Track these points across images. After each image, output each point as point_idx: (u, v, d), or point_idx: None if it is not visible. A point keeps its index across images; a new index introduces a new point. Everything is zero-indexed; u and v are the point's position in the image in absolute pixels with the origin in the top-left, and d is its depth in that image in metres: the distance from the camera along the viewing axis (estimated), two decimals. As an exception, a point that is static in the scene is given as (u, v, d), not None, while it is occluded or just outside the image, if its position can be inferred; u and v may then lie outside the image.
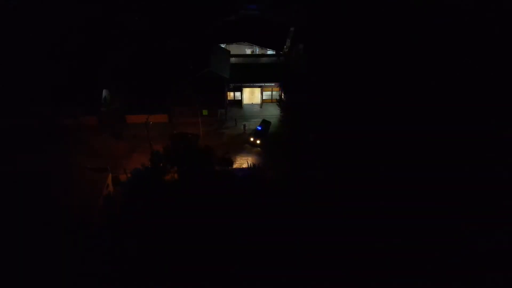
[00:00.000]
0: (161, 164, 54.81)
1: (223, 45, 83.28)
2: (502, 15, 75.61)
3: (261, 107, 78.55)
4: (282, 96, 75.72)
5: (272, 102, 78.00)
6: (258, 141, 68.66)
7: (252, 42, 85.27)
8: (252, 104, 79.23)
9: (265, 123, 71.83)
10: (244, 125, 72.18)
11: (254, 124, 73.21)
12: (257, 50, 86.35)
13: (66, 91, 71.82)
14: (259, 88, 77.57)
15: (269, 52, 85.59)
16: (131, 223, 49.12)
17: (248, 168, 61.90)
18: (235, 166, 62.73)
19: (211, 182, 52.26)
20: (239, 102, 78.50)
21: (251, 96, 79.46)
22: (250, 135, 70.09)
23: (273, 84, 77.10)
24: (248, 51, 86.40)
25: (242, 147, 68.31)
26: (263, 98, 78.63)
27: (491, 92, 63.39)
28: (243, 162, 64.45)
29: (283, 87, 75.05)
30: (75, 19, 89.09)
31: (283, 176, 59.36)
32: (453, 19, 76.00)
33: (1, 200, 53.19)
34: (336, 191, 53.70)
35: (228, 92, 77.42)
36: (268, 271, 46.60)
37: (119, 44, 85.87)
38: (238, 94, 77.89)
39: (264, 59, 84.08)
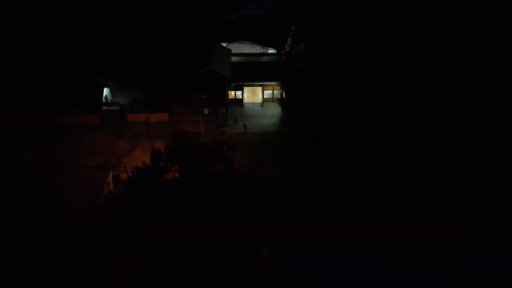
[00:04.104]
0: (162, 163, 54.73)
1: (224, 44, 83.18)
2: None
3: (262, 106, 78.48)
4: (283, 95, 75.63)
5: (273, 101, 77.85)
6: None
7: (253, 41, 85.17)
8: (253, 103, 79.16)
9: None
10: (245, 124, 72.08)
11: (255, 123, 73.22)
12: (258, 49, 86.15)
13: (68, 90, 71.87)
14: (260, 87, 77.50)
15: (270, 51, 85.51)
16: (131, 222, 49.11)
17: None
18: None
19: (212, 181, 52.19)
20: (240, 101, 78.39)
21: (252, 95, 79.41)
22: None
23: (274, 83, 77.03)
24: (249, 50, 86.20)
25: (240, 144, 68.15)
26: (264, 97, 78.55)
27: (492, 93, 63.18)
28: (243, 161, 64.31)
29: (284, 86, 74.94)
30: (76, 19, 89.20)
31: (283, 175, 59.42)
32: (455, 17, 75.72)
33: (2, 199, 53.21)
34: (335, 190, 53.73)
35: (229, 91, 77.33)
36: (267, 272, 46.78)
37: (120, 43, 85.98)
38: (239, 93, 77.77)
39: (265, 58, 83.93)
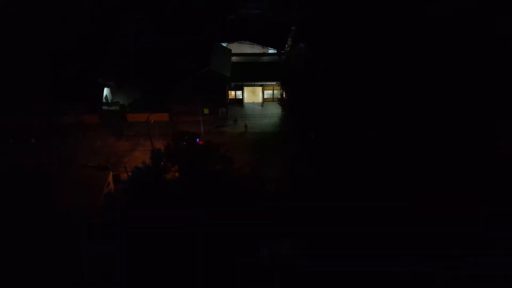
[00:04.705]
0: (162, 163, 54.70)
1: (224, 44, 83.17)
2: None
3: (262, 106, 78.48)
4: (283, 95, 75.61)
5: (273, 101, 77.86)
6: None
7: (253, 41, 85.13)
8: (253, 103, 79.15)
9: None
10: (246, 125, 72.09)
11: (255, 123, 73.22)
12: (258, 49, 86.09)
13: (68, 90, 71.87)
14: (260, 87, 77.50)
15: (270, 51, 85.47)
16: (131, 222, 49.07)
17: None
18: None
19: (211, 181, 52.15)
20: (240, 101, 78.37)
21: (252, 95, 79.41)
22: None
23: (274, 83, 77.03)
24: (249, 50, 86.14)
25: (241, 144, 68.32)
26: (265, 97, 78.56)
27: (493, 93, 63.27)
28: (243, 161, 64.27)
29: (284, 86, 74.94)
30: (76, 19, 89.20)
31: (283, 175, 59.42)
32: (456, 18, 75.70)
33: (2, 199, 53.20)
34: (336, 190, 53.72)
35: (229, 91, 77.32)
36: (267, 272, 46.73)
37: (121, 43, 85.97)
38: (239, 93, 77.76)
39: (265, 58, 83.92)
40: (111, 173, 59.91)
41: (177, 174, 56.63)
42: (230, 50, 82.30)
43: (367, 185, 53.72)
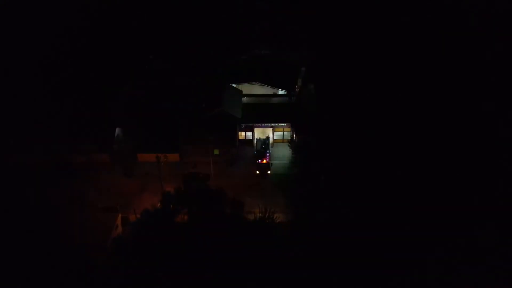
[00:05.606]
0: (172, 206, 54.28)
1: (234, 85, 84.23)
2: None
3: (272, 147, 78.46)
4: (294, 137, 75.69)
5: (283, 142, 78.00)
6: (268, 171, 70.06)
7: (263, 82, 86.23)
8: (264, 144, 79.27)
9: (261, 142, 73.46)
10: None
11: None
12: (269, 90, 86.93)
13: (79, 129, 72.51)
14: (271, 128, 77.74)
15: (281, 92, 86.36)
16: (139, 266, 48.32)
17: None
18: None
19: (221, 226, 51.49)
20: (251, 142, 78.52)
21: (262, 136, 79.54)
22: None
23: (284, 124, 77.32)
24: (260, 91, 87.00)
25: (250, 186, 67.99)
26: (275, 138, 78.72)
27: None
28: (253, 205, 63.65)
29: (294, 128, 75.15)
30: (89, 58, 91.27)
31: (294, 220, 58.67)
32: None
33: (9, 239, 52.85)
34: (347, 237, 52.83)
35: (240, 132, 77.64)
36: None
37: (132, 82, 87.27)
38: (249, 133, 78.04)
39: (275, 99, 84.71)
40: (119, 215, 59.57)
41: (185, 217, 56.08)
42: (241, 90, 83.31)
43: (377, 227, 53.02)
